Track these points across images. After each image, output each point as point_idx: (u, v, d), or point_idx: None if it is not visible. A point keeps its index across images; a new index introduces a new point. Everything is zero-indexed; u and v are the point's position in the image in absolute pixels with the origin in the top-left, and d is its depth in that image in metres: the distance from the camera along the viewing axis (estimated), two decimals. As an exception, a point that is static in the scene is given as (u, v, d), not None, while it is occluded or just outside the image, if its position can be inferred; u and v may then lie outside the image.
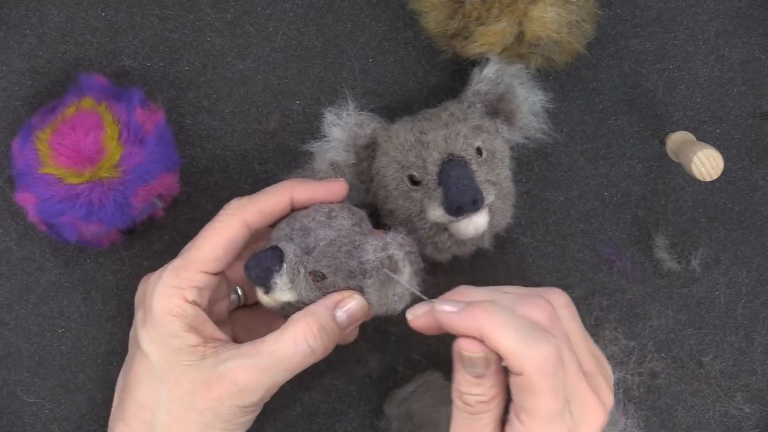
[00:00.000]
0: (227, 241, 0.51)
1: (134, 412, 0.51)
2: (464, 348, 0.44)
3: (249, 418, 0.51)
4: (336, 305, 0.50)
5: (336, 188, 0.53)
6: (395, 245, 0.50)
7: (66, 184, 0.52)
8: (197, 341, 0.50)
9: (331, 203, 0.53)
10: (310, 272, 0.50)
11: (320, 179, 0.54)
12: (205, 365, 0.49)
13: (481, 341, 0.44)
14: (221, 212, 0.52)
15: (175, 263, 0.51)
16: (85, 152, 0.52)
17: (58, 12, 0.59)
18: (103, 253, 0.60)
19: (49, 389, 0.60)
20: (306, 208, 0.53)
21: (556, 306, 0.47)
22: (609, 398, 0.48)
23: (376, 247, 0.50)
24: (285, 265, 0.49)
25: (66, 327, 0.60)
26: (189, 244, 0.52)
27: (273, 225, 0.54)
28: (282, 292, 0.50)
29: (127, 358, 0.53)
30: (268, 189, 0.53)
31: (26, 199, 0.53)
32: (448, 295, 0.47)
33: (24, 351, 0.60)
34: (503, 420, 0.46)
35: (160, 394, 0.50)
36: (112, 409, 0.53)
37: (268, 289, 0.50)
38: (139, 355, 0.51)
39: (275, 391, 0.50)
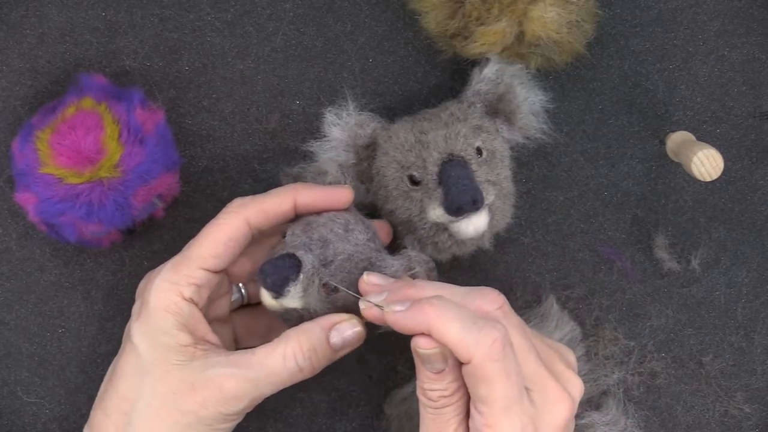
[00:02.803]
0: (228, 238, 0.51)
1: (115, 402, 0.51)
2: (419, 345, 0.45)
3: (230, 425, 0.51)
4: (333, 326, 0.50)
5: (341, 194, 0.53)
6: (420, 263, 0.51)
7: (66, 184, 0.52)
8: (188, 341, 0.50)
9: (346, 214, 0.53)
10: (323, 284, 0.50)
11: (329, 183, 0.54)
12: (192, 367, 0.49)
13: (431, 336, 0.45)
14: (223, 210, 0.52)
15: (175, 259, 0.51)
16: (85, 152, 0.52)
17: (58, 12, 0.59)
18: (103, 253, 0.60)
19: (49, 389, 0.60)
20: (317, 214, 0.53)
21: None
22: (576, 386, 0.49)
23: (400, 265, 0.51)
24: (302, 275, 0.49)
25: (66, 327, 0.60)
26: (190, 242, 0.52)
27: (277, 228, 0.54)
28: (292, 300, 0.50)
29: (120, 348, 0.54)
30: (272, 190, 0.53)
31: (26, 199, 0.53)
32: (401, 290, 0.48)
33: (24, 351, 0.60)
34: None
35: (143, 388, 0.50)
36: (97, 396, 0.53)
37: (279, 296, 0.50)
38: (129, 347, 0.51)
39: (260, 402, 0.51)
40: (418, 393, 0.47)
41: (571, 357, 0.52)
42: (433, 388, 0.46)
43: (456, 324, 0.44)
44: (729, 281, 0.63)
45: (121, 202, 0.53)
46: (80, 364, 0.60)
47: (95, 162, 0.52)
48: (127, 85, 0.58)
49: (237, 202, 0.52)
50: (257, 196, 0.53)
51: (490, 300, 0.47)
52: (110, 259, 0.60)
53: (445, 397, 0.46)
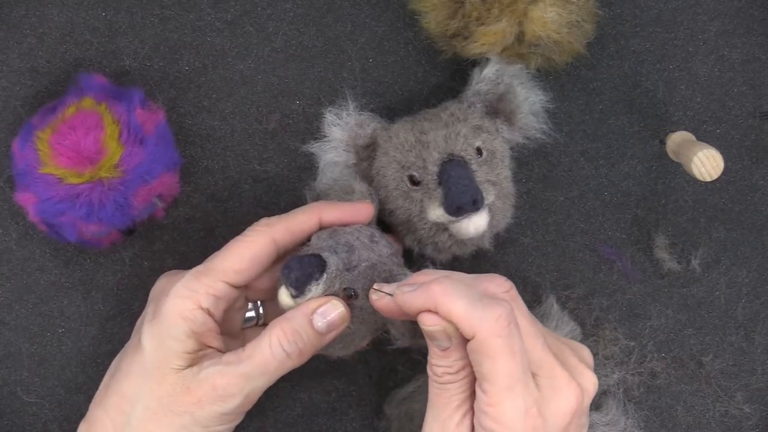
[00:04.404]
0: (253, 254, 0.52)
1: (115, 401, 0.51)
2: (424, 322, 0.46)
3: (227, 427, 0.51)
4: (314, 312, 0.50)
5: (363, 209, 0.54)
6: None
7: (66, 184, 0.52)
8: (193, 349, 0.50)
9: (372, 228, 0.54)
10: (344, 288, 0.50)
11: (356, 200, 0.55)
12: (188, 372, 0.50)
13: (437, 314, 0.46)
14: (250, 228, 0.53)
15: (199, 268, 0.52)
16: (85, 152, 0.52)
17: (58, 12, 0.59)
18: (103, 253, 0.60)
19: (49, 389, 0.60)
20: (343, 225, 0.53)
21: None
22: (589, 380, 0.49)
23: None
24: (325, 276, 0.50)
25: (66, 327, 0.60)
26: (214, 254, 0.53)
27: (301, 244, 0.54)
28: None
29: (127, 344, 0.54)
30: (297, 209, 0.54)
31: (26, 199, 0.53)
32: (411, 277, 0.49)
33: (24, 351, 0.60)
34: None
35: (142, 390, 0.50)
36: (97, 392, 0.54)
37: (299, 294, 0.50)
38: (137, 347, 0.51)
39: (255, 399, 0.51)
40: (428, 367, 0.48)
41: (587, 354, 0.52)
42: (439, 364, 0.47)
43: (462, 300, 0.45)
44: (729, 281, 0.63)
45: (121, 202, 0.53)
46: (80, 364, 0.60)
47: (95, 162, 0.52)
48: (127, 85, 0.58)
49: (264, 221, 0.53)
50: (283, 215, 0.53)
51: (497, 284, 0.48)
52: (110, 259, 0.60)
53: (449, 374, 0.47)
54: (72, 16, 0.59)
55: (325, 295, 0.50)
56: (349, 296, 0.51)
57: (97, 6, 0.59)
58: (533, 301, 0.62)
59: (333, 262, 0.50)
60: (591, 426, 0.59)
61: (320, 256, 0.50)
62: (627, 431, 0.60)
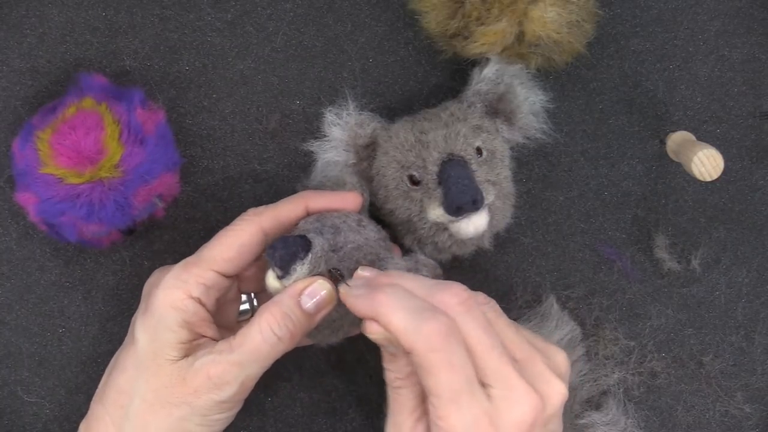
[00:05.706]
0: (241, 243, 0.52)
1: (113, 396, 0.52)
2: (365, 330, 0.47)
3: (225, 416, 0.52)
4: (301, 293, 0.50)
5: (351, 198, 0.54)
6: (427, 266, 0.52)
7: (66, 184, 0.52)
8: (187, 338, 0.51)
9: (360, 214, 0.54)
10: (329, 270, 0.51)
11: (347, 191, 0.55)
12: (183, 363, 0.50)
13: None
14: (238, 218, 0.53)
15: (188, 259, 0.52)
16: (85, 152, 0.52)
17: (58, 12, 0.59)
18: (103, 253, 0.60)
19: (49, 389, 0.60)
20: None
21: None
22: (553, 388, 0.47)
23: (405, 265, 0.51)
24: (310, 255, 0.50)
25: (66, 327, 0.60)
26: (203, 245, 0.53)
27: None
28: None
29: (124, 341, 0.54)
30: (285, 199, 0.54)
31: (27, 199, 0.53)
32: (375, 278, 0.49)
33: (24, 351, 0.60)
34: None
35: (139, 383, 0.51)
36: (97, 390, 0.54)
37: (284, 274, 0.50)
38: (131, 341, 0.52)
39: (251, 385, 0.51)
40: (383, 371, 0.49)
41: (561, 360, 0.50)
42: (389, 368, 0.48)
43: (401, 313, 0.45)
44: (729, 281, 0.63)
45: (122, 202, 0.53)
46: (81, 363, 0.60)
47: (96, 162, 0.52)
48: (128, 85, 0.58)
49: (252, 211, 0.53)
50: (270, 205, 0.54)
51: (451, 294, 0.47)
52: (110, 259, 0.60)
53: (399, 379, 0.48)
54: (72, 16, 0.59)
55: (310, 273, 0.50)
56: (335, 278, 0.51)
57: (97, 6, 0.59)
58: (533, 301, 0.62)
59: (318, 242, 0.50)
60: (591, 426, 0.59)
61: (305, 236, 0.50)
62: (627, 431, 0.60)
